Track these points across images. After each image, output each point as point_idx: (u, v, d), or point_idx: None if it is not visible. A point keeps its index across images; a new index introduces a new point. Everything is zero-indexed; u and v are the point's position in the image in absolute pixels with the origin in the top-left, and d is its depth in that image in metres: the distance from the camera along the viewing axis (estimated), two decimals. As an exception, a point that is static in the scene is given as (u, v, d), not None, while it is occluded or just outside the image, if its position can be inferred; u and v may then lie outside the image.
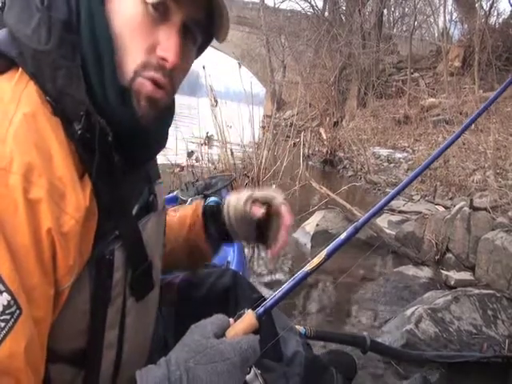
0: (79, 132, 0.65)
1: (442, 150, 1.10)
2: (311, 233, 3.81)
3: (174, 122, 0.86)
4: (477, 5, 11.38)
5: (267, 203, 1.02)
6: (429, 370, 1.96)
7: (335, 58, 14.14)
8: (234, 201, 1.04)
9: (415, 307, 2.33)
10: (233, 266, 2.05)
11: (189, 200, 2.72)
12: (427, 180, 5.85)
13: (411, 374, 1.93)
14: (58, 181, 0.61)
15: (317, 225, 3.86)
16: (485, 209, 3.38)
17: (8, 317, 0.55)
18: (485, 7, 11.31)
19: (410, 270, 3.10)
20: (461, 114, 8.48)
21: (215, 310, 0.78)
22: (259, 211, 0.99)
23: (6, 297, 0.55)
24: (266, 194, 1.03)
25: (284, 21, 17.78)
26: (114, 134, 0.68)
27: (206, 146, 4.97)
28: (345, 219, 4.00)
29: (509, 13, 11.24)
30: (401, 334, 2.14)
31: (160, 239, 0.90)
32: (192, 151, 4.89)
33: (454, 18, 14.65)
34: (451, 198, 4.83)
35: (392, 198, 0.93)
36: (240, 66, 5.57)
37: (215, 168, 5.03)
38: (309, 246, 3.69)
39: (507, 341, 2.09)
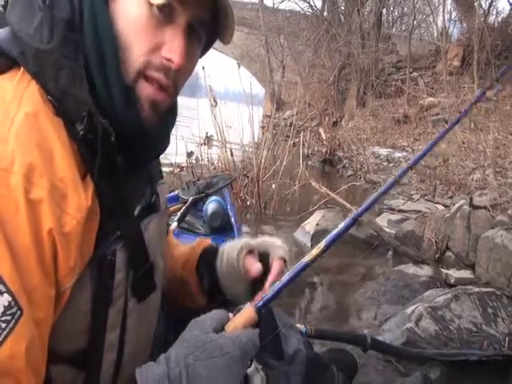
0: (81, 132, 0.65)
1: (441, 136, 1.05)
2: (311, 232, 3.81)
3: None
4: (476, 4, 11.36)
5: (264, 254, 0.91)
6: (429, 367, 1.96)
7: (334, 57, 14.14)
8: (228, 249, 0.95)
9: (415, 305, 2.33)
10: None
11: (190, 199, 2.72)
12: (427, 179, 5.85)
13: (412, 372, 1.93)
14: (60, 181, 0.61)
15: (317, 224, 3.87)
16: (484, 207, 3.38)
17: (9, 318, 0.55)
18: (484, 6, 11.30)
19: (410, 269, 3.10)
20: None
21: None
22: (253, 266, 0.88)
23: (6, 298, 0.55)
24: (264, 244, 0.94)
25: (283, 21, 17.76)
26: (116, 134, 0.68)
27: (206, 147, 4.97)
28: (345, 218, 3.99)
29: (508, 11, 11.24)
30: (401, 332, 2.14)
31: (162, 240, 0.90)
32: (192, 151, 4.90)
33: (453, 17, 14.65)
34: (451, 197, 4.83)
35: (390, 188, 0.91)
36: (239, 67, 5.57)
37: (215, 168, 5.04)
38: (309, 245, 3.69)
39: (507, 339, 2.10)
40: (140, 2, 0.68)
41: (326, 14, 16.64)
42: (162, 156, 0.91)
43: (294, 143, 6.24)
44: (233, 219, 2.74)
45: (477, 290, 2.40)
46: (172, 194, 2.89)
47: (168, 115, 0.79)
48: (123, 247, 0.72)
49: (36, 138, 0.61)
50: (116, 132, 0.68)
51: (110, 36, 0.68)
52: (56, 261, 0.61)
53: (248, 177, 4.89)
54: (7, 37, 0.67)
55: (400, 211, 4.57)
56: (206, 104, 5.17)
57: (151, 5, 0.68)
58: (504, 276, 2.68)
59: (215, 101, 5.00)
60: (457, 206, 3.48)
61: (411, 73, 12.23)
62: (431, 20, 18.01)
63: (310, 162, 8.34)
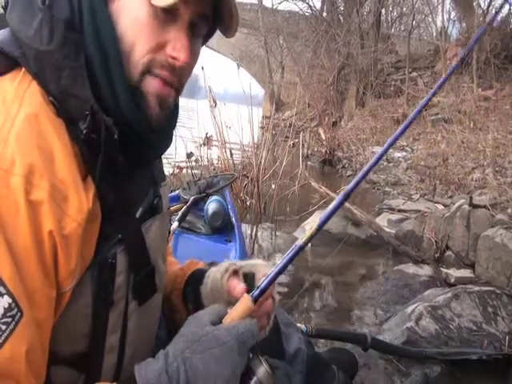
0: (84, 131, 0.65)
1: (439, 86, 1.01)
2: (311, 232, 3.80)
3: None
4: (475, 3, 11.39)
5: (250, 275, 0.88)
6: (429, 367, 1.97)
7: (333, 58, 14.14)
8: (213, 272, 0.91)
9: (415, 305, 2.34)
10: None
11: (191, 198, 2.72)
12: (426, 179, 5.85)
13: (412, 371, 1.94)
14: (60, 183, 0.61)
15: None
16: (484, 206, 3.39)
17: (9, 319, 0.55)
18: (483, 6, 11.33)
19: (410, 268, 3.10)
20: (459, 112, 8.48)
21: None
22: (236, 288, 0.82)
23: (7, 299, 0.55)
24: (248, 265, 0.90)
25: (282, 22, 17.76)
26: (120, 133, 0.67)
27: (206, 147, 4.97)
28: (344, 218, 4.01)
29: (507, 11, 11.24)
30: (401, 332, 2.14)
31: (164, 242, 0.89)
32: (191, 152, 4.90)
33: (452, 16, 14.65)
34: (450, 196, 4.83)
35: (379, 159, 0.87)
36: (239, 67, 5.57)
37: (214, 169, 5.04)
38: (309, 245, 3.69)
39: (507, 337, 2.10)
40: (141, 2, 0.68)
41: (325, 14, 16.65)
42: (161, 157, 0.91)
43: (293, 143, 6.24)
44: (233, 219, 2.74)
45: (477, 288, 2.41)
46: (173, 193, 2.88)
47: (171, 114, 0.79)
48: (124, 250, 0.71)
49: (37, 139, 0.60)
50: (119, 131, 0.67)
51: (111, 34, 0.67)
52: (56, 263, 0.61)
53: (248, 177, 4.89)
54: (8, 38, 0.67)
55: (400, 211, 4.57)
56: (205, 105, 5.18)
57: (154, 5, 0.68)
58: (504, 275, 2.68)
59: (215, 102, 5.00)
60: (456, 205, 3.48)
61: (410, 73, 12.24)
62: (430, 20, 18.08)
63: (309, 163, 8.34)
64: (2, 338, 0.54)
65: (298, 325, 1.62)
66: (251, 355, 0.72)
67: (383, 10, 15.85)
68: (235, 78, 5.48)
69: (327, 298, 2.86)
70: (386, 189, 6.19)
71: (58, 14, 0.65)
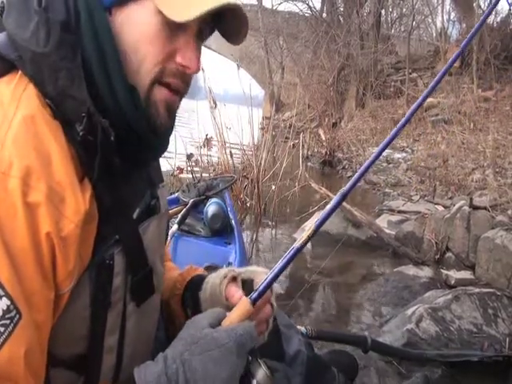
0: (81, 133, 0.65)
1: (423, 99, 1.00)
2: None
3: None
4: (475, 4, 11.40)
5: (248, 281, 0.88)
6: (430, 369, 1.97)
7: (333, 58, 14.13)
8: (212, 278, 0.91)
9: (416, 306, 2.33)
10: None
11: (190, 201, 2.72)
12: (426, 180, 5.85)
13: (412, 374, 1.93)
14: (57, 184, 0.61)
15: (317, 225, 3.86)
16: (484, 207, 3.39)
17: (8, 321, 0.55)
18: (483, 6, 11.33)
19: (410, 270, 3.10)
20: (459, 113, 8.48)
21: None
22: (234, 296, 0.82)
23: (5, 301, 0.55)
24: (247, 271, 0.90)
25: (282, 22, 17.77)
26: (117, 135, 0.68)
27: (206, 148, 4.97)
28: (344, 219, 4.00)
29: (507, 12, 11.25)
30: (402, 334, 2.14)
31: (162, 243, 0.89)
32: (191, 153, 4.90)
33: (451, 17, 14.65)
34: (451, 198, 4.83)
35: (376, 158, 0.87)
36: (239, 68, 5.58)
37: (214, 170, 5.04)
38: (309, 246, 3.69)
39: (508, 339, 2.10)
40: (150, 11, 0.67)
41: (324, 15, 16.65)
42: (161, 158, 0.91)
43: (293, 144, 6.24)
44: (233, 221, 2.74)
45: (477, 290, 2.40)
46: (172, 196, 2.88)
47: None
48: (121, 251, 0.71)
49: (33, 141, 0.60)
50: (117, 133, 0.67)
51: (109, 34, 0.67)
52: (54, 264, 0.61)
53: (248, 178, 4.89)
54: (4, 42, 0.67)
55: (400, 212, 4.57)
56: (205, 106, 5.18)
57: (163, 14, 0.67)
58: (504, 276, 2.68)
59: (215, 102, 5.00)
60: (457, 206, 3.48)
61: (410, 73, 12.24)
62: (430, 21, 18.06)
63: (309, 164, 8.34)
64: (1, 340, 0.54)
65: (298, 327, 1.61)
66: (250, 358, 0.73)
67: (383, 11, 15.86)
68: (235, 78, 5.49)
69: (327, 300, 2.86)
70: (386, 190, 6.19)
71: (54, 15, 0.65)
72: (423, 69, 13.01)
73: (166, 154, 0.86)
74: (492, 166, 5.32)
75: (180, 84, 0.73)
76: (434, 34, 17.49)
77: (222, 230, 2.67)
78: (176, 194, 2.95)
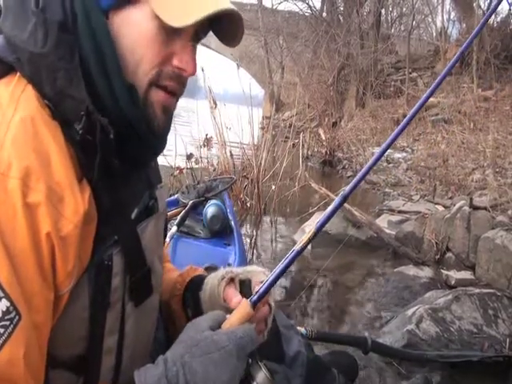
0: (80, 132, 0.65)
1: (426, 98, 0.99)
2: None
3: (172, 124, 0.86)
4: (475, 4, 11.40)
5: (246, 281, 0.87)
6: (430, 369, 1.96)
7: (333, 58, 14.14)
8: (211, 279, 0.90)
9: (416, 307, 2.33)
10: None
11: (189, 203, 2.72)
12: (426, 180, 5.85)
13: (413, 374, 1.93)
14: (57, 185, 0.61)
15: (317, 225, 3.85)
16: (484, 208, 3.39)
17: (7, 323, 0.55)
18: (483, 6, 11.33)
19: (410, 270, 3.10)
20: (459, 113, 8.49)
21: None
22: (233, 299, 0.82)
23: (4, 303, 0.55)
24: (245, 271, 0.89)
25: (282, 22, 17.78)
26: (116, 133, 0.68)
27: (206, 148, 4.97)
28: (345, 219, 4.00)
29: (507, 11, 11.25)
30: (402, 334, 2.14)
31: (160, 243, 0.89)
32: (191, 153, 4.89)
33: (451, 17, 14.66)
34: (451, 198, 4.83)
35: (377, 160, 0.87)
36: (238, 68, 5.57)
37: (214, 170, 5.04)
38: (309, 246, 3.68)
39: (508, 340, 2.10)
40: (147, 15, 0.67)
41: (324, 14, 16.66)
42: (161, 158, 0.91)
43: (293, 144, 6.24)
44: (233, 222, 2.74)
45: (477, 291, 2.40)
46: (172, 197, 2.89)
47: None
48: (120, 251, 0.72)
49: (32, 142, 0.60)
50: (116, 131, 0.67)
51: (106, 35, 0.67)
52: (54, 265, 0.61)
53: (248, 178, 4.89)
54: (2, 44, 0.67)
55: (400, 212, 4.57)
56: (205, 105, 5.18)
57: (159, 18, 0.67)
58: (504, 277, 2.68)
59: (215, 102, 5.00)
60: (457, 206, 3.48)
61: (410, 73, 12.25)
62: (430, 20, 18.09)
63: (309, 163, 8.34)
64: (0, 341, 0.54)
65: (298, 328, 1.61)
66: (250, 361, 0.73)
67: (383, 11, 15.87)
68: (235, 78, 5.49)
69: (327, 300, 2.86)
70: (386, 190, 6.19)
71: (52, 16, 0.65)
72: (423, 68, 13.01)
73: (165, 152, 0.86)
74: (492, 165, 5.32)
75: (176, 86, 0.73)
76: (434, 34, 17.52)
77: (221, 232, 2.67)
78: (175, 196, 2.95)
